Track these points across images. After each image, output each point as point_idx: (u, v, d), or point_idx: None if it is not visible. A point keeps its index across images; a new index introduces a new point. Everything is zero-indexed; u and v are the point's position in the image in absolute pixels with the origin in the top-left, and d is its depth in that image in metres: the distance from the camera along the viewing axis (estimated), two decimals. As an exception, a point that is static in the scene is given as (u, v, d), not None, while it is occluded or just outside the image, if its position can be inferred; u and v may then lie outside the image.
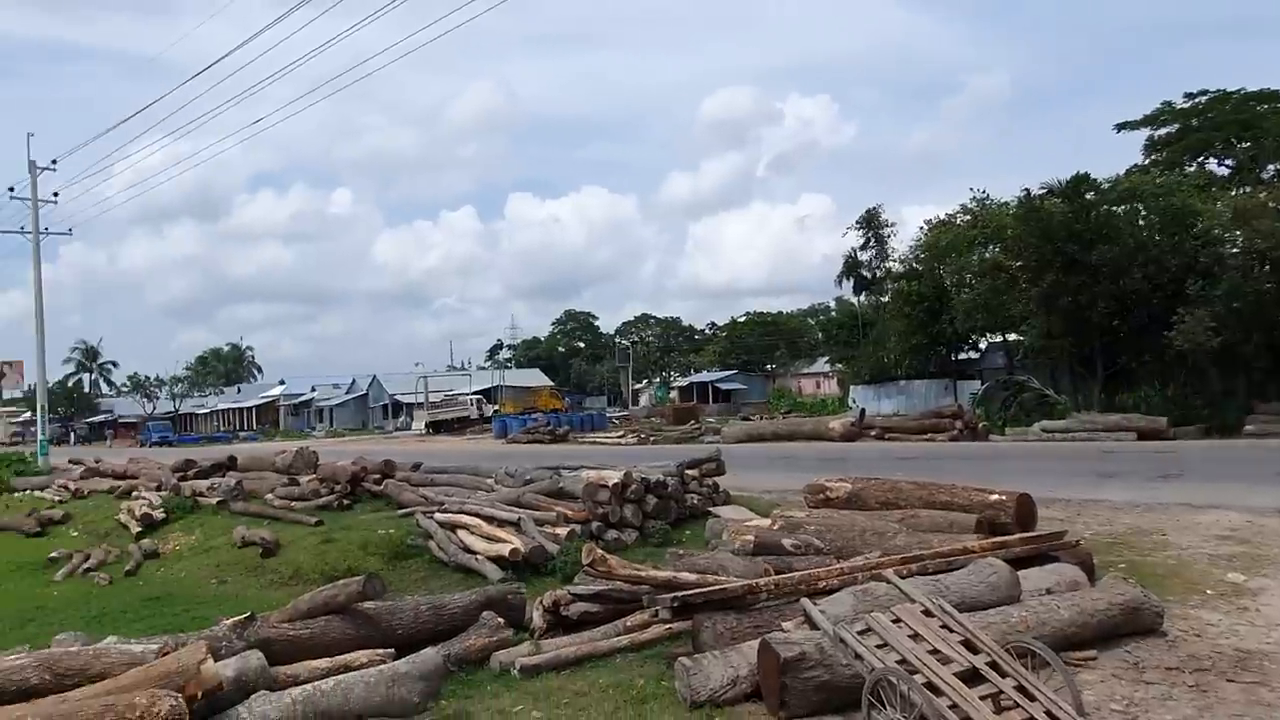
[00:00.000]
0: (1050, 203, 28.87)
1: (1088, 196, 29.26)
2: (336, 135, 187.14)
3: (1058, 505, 10.86)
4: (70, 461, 28.15)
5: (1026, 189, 30.16)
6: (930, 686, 4.10)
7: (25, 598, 11.55)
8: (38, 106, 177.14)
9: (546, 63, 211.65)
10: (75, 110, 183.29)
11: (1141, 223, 28.84)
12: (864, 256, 49.13)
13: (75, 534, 16.12)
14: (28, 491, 22.98)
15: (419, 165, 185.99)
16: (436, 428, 55.07)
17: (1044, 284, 28.03)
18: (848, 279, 50.42)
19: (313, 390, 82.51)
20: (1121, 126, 38.42)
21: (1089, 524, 9.78)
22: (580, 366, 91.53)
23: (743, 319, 79.64)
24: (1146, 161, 36.36)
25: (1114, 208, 29.12)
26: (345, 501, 14.01)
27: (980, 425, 26.15)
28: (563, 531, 9.66)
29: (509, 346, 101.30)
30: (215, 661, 4.78)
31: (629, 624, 6.56)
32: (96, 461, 25.56)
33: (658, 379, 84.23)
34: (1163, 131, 37.31)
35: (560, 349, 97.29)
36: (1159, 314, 26.36)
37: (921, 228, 40.83)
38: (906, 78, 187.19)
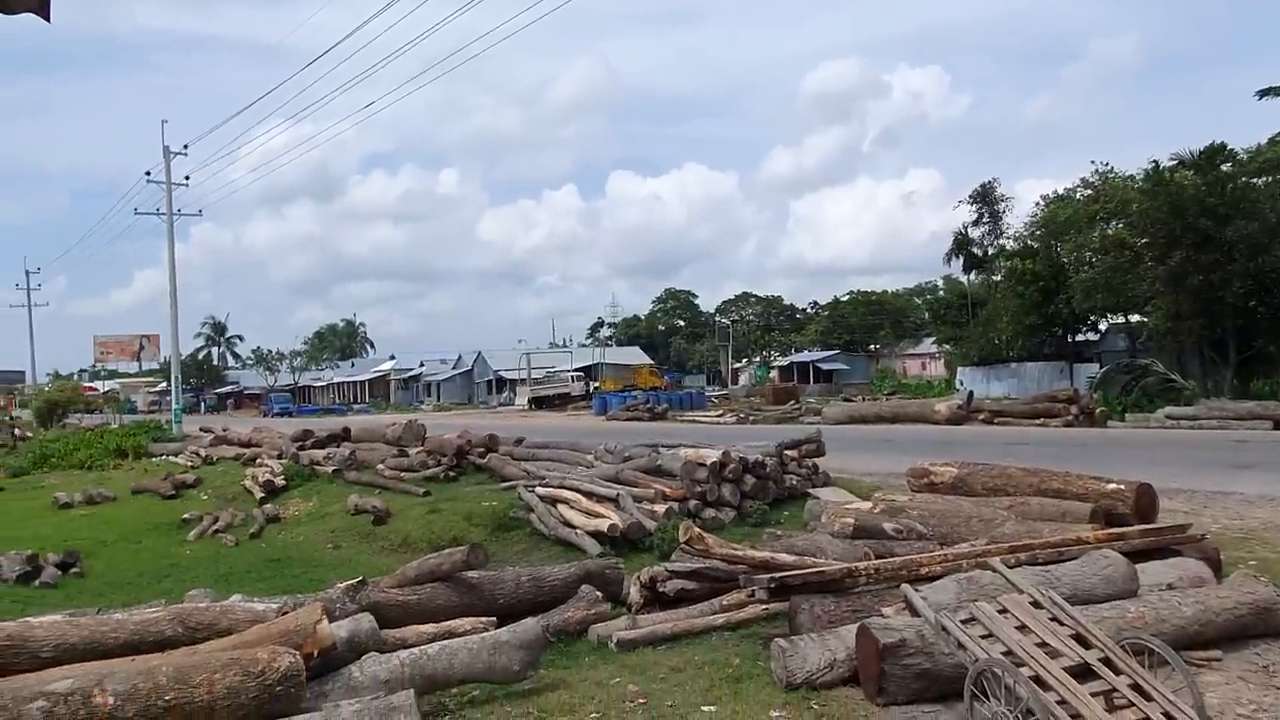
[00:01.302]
0: (1181, 175, 27.06)
1: (1224, 168, 27.33)
2: (444, 117, 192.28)
3: (1182, 497, 10.27)
4: (201, 429, 30.03)
5: (1155, 161, 28.36)
6: (1038, 680, 3.96)
7: (162, 555, 12.43)
8: (170, 95, 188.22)
9: (647, 40, 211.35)
10: (203, 98, 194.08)
11: (1285, 196, 26.76)
12: (975, 233, 47.21)
13: (205, 497, 17.22)
14: (164, 457, 24.68)
15: (523, 145, 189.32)
16: (538, 403, 56.18)
17: (1172, 262, 26.37)
18: (957, 257, 48.51)
19: (421, 366, 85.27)
20: (1265, 93, 35.40)
21: (1217, 517, 9.21)
22: (680, 345, 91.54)
23: (846, 298, 77.88)
24: (1293, 130, 33.63)
25: (1254, 180, 27.08)
26: (451, 473, 14.48)
27: (1097, 411, 24.86)
28: (660, 509, 9.74)
29: (609, 324, 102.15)
30: (330, 622, 5.03)
31: (725, 603, 6.58)
32: (224, 430, 27.18)
33: (757, 358, 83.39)
34: (1312, 97, 34.37)
35: (660, 327, 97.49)
36: (1304, 294, 24.52)
37: (1037, 203, 38.96)
38: (1024, 44, 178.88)
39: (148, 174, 36.32)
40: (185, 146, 35.79)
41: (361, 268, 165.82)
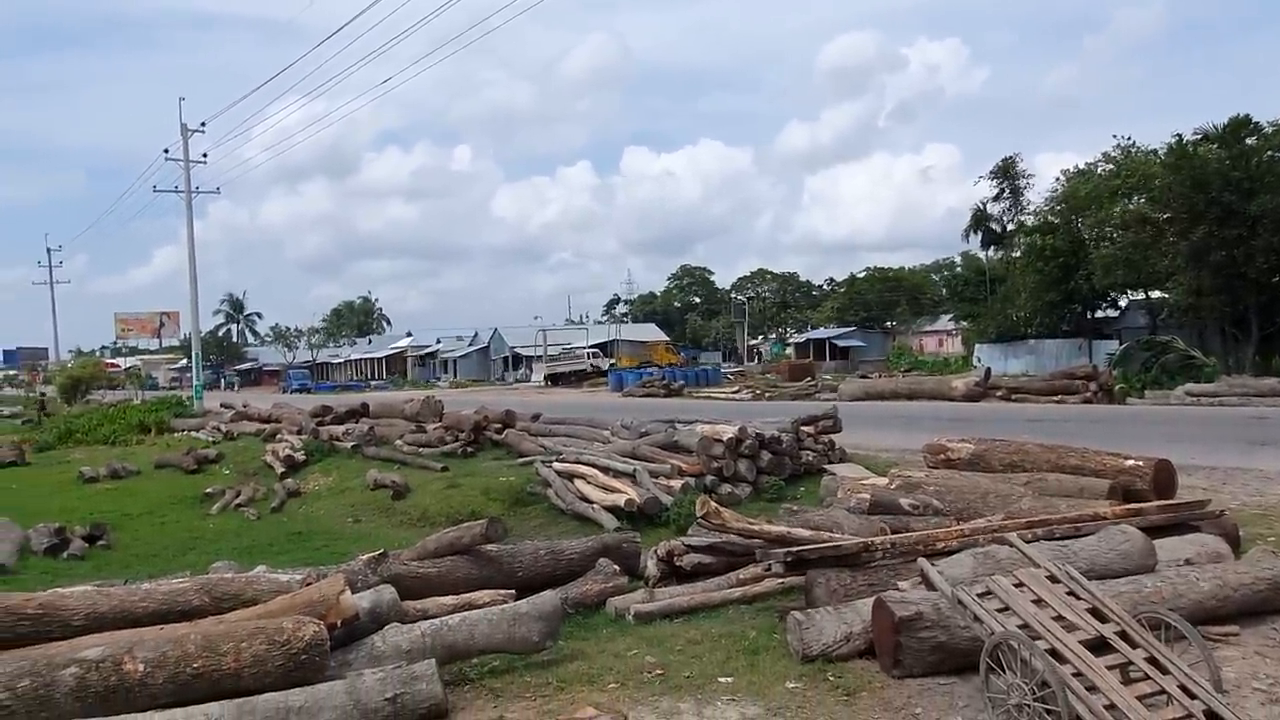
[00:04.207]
0: (1205, 149, 26.69)
1: (1248, 141, 26.89)
2: (458, 92, 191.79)
3: (1201, 473, 10.22)
4: (221, 405, 30.34)
5: (1178, 134, 28.00)
6: (1053, 653, 3.98)
7: (186, 528, 12.64)
8: (184, 73, 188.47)
9: (661, 13, 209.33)
10: (217, 76, 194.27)
11: (1312, 169, 26.34)
12: (995, 209, 46.69)
13: (227, 472, 17.44)
14: (185, 432, 24.99)
15: (536, 120, 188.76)
16: (554, 380, 56.35)
17: (1194, 237, 26.05)
18: (976, 232, 47.99)
19: (438, 342, 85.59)
20: (1293, 63, 34.98)
21: (1236, 494, 9.16)
22: (695, 321, 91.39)
23: (862, 274, 77.27)
24: (1321, 101, 33.06)
25: (1279, 153, 26.66)
26: (469, 449, 14.59)
27: (1116, 388, 24.68)
28: (677, 484, 9.78)
29: (625, 301, 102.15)
30: (352, 593, 5.11)
31: (741, 577, 6.62)
32: (244, 406, 27.45)
33: (773, 335, 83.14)
34: (1342, 67, 33.75)
35: (676, 304, 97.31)
36: (1329, 270, 24.19)
37: (1058, 178, 38.47)
38: (1045, 14, 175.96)
39: (166, 151, 36.51)
40: (203, 124, 35.98)
41: (376, 245, 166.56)
